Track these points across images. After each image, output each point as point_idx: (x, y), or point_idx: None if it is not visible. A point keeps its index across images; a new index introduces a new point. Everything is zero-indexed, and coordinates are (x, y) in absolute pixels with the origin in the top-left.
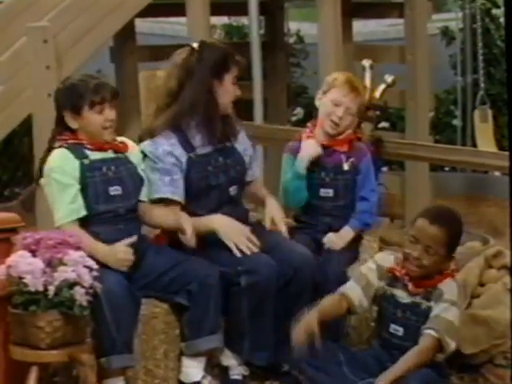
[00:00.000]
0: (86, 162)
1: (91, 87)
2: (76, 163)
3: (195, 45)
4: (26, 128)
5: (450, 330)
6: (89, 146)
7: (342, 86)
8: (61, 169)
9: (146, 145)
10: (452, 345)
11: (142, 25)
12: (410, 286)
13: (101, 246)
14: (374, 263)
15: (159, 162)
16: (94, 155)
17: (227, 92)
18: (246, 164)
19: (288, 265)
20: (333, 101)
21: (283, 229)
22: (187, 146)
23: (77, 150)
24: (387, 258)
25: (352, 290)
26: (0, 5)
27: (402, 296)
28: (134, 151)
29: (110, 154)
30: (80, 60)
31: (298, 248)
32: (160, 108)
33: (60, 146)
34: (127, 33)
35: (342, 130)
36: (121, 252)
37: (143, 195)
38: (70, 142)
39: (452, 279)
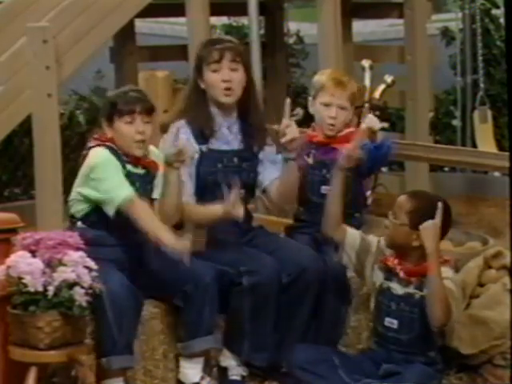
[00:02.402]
0: (123, 172)
1: (123, 97)
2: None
3: None
4: (25, 128)
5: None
6: (124, 158)
7: (326, 86)
8: (110, 161)
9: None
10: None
11: (141, 25)
12: (402, 273)
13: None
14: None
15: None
16: (130, 167)
17: (210, 82)
18: (265, 175)
19: (295, 264)
20: (322, 103)
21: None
22: (200, 138)
23: (117, 156)
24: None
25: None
26: (0, 5)
27: (396, 288)
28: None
29: (140, 170)
30: (80, 60)
31: (306, 248)
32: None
33: (98, 145)
34: (127, 33)
35: (341, 126)
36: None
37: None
38: (107, 143)
39: (443, 265)
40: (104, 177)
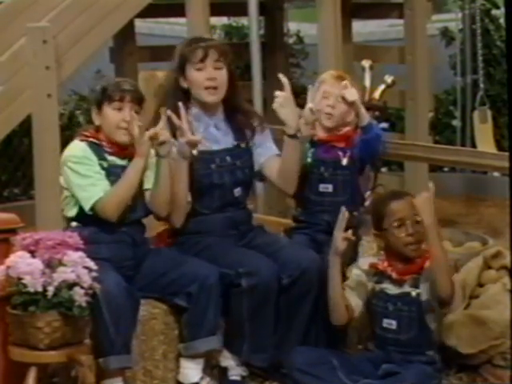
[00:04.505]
0: (104, 164)
1: (115, 84)
2: (96, 163)
3: None
4: (25, 128)
5: None
6: (108, 149)
7: (325, 80)
8: (78, 158)
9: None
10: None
11: (141, 25)
12: (394, 275)
13: None
14: (359, 269)
15: None
16: (113, 159)
17: (194, 81)
18: (256, 160)
19: (295, 265)
20: (322, 95)
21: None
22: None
23: (96, 150)
24: (369, 260)
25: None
26: (0, 5)
27: (390, 288)
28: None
29: (125, 161)
30: (80, 60)
31: (306, 249)
32: None
33: (81, 140)
34: (127, 33)
35: (340, 119)
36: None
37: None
38: (90, 139)
39: None
40: (76, 170)
